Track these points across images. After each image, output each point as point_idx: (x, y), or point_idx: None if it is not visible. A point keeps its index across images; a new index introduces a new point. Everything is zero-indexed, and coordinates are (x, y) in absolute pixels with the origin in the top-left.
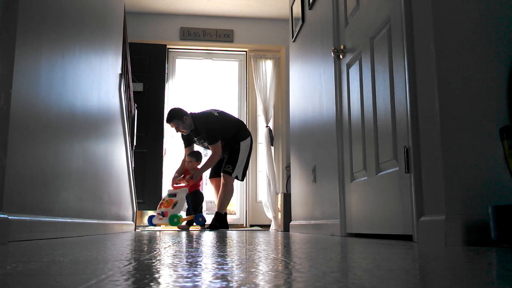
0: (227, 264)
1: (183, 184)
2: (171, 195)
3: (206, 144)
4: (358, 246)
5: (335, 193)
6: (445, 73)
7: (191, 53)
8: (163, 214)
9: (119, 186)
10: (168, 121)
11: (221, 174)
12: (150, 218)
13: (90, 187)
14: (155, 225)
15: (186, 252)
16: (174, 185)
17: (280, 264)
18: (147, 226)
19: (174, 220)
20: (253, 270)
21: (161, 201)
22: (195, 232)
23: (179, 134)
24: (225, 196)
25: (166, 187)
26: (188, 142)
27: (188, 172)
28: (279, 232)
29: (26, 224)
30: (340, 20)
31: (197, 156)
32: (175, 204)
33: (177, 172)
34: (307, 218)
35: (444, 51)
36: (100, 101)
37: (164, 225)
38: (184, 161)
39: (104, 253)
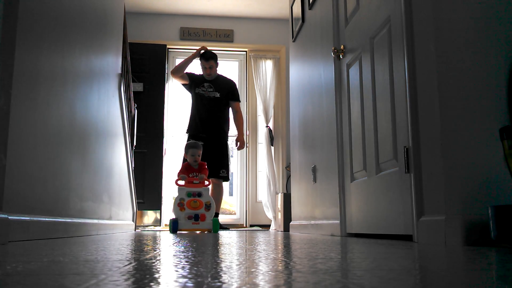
0: (227, 264)
1: (197, 183)
2: (194, 194)
3: (211, 92)
4: (358, 246)
5: (335, 193)
6: (445, 73)
7: (191, 53)
8: (197, 218)
9: (119, 186)
10: (208, 59)
11: (214, 179)
12: (175, 223)
13: (90, 187)
14: (176, 232)
15: (186, 252)
16: (181, 182)
17: (280, 264)
18: (147, 226)
19: (217, 226)
20: (253, 270)
21: (177, 201)
22: (195, 233)
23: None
24: (220, 196)
25: (166, 187)
26: (192, 83)
27: (192, 170)
28: (279, 232)
29: (26, 224)
30: (340, 20)
31: (199, 146)
32: (208, 206)
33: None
34: (307, 218)
35: (444, 51)
36: (100, 101)
37: (197, 231)
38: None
39: (104, 253)
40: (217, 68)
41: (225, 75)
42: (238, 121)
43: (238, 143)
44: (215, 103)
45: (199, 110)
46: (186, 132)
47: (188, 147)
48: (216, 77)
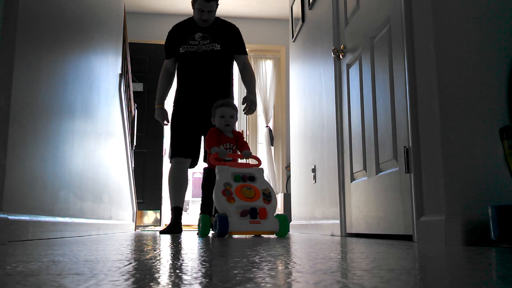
0: (227, 264)
1: (235, 160)
2: (244, 178)
3: (208, 44)
4: (358, 246)
5: (335, 193)
6: (445, 73)
7: None
8: (254, 214)
9: (119, 186)
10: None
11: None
12: (224, 221)
13: (90, 187)
14: (225, 234)
15: (186, 252)
16: (219, 159)
17: (280, 264)
18: (147, 226)
19: (288, 225)
20: (253, 270)
21: (221, 187)
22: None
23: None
24: None
25: (166, 187)
26: (173, 50)
27: (224, 139)
28: None
29: (26, 224)
30: (340, 20)
31: (233, 105)
32: (268, 196)
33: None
34: (307, 218)
35: (444, 51)
36: (100, 101)
37: (258, 235)
38: (215, 133)
39: (104, 253)
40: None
41: (223, 18)
42: (249, 78)
43: (246, 103)
44: (215, 58)
45: (191, 73)
46: (174, 106)
47: (215, 107)
48: (212, 22)
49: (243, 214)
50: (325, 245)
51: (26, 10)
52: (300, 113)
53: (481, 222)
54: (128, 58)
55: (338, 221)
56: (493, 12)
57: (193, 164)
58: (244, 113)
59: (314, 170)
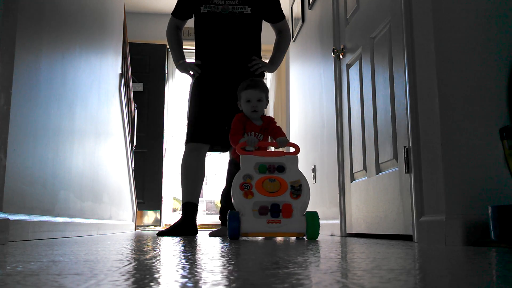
0: (227, 264)
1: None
2: (271, 168)
3: (236, 6)
4: (358, 246)
5: (335, 193)
6: (445, 73)
7: (191, 53)
8: (276, 212)
9: (119, 186)
10: None
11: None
12: (234, 220)
13: (90, 187)
14: (237, 236)
15: (185, 252)
16: (244, 149)
17: (279, 264)
18: (147, 226)
19: (318, 226)
20: (253, 270)
21: (239, 181)
22: (199, 232)
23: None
24: None
25: (166, 187)
26: (188, 10)
27: (252, 127)
28: None
29: (26, 224)
30: (340, 20)
31: (262, 86)
32: (297, 190)
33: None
34: None
35: (444, 51)
36: (100, 101)
37: (278, 237)
38: (239, 126)
39: (104, 253)
40: None
41: None
42: (282, 44)
43: (255, 61)
44: (244, 23)
45: (215, 39)
46: (196, 79)
47: (240, 90)
48: None
49: (262, 212)
50: (325, 245)
51: (26, 10)
52: (300, 113)
53: (481, 222)
54: (128, 58)
55: (338, 221)
56: (493, 12)
57: (216, 149)
58: (250, 69)
59: (314, 170)
